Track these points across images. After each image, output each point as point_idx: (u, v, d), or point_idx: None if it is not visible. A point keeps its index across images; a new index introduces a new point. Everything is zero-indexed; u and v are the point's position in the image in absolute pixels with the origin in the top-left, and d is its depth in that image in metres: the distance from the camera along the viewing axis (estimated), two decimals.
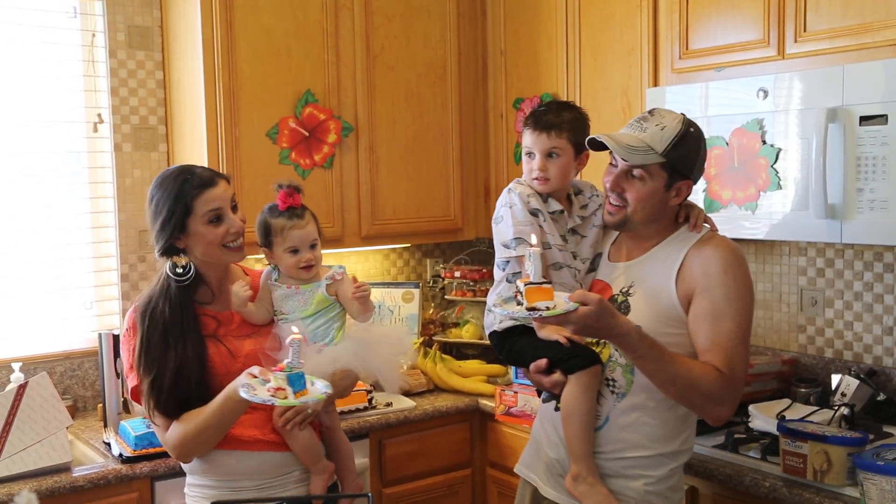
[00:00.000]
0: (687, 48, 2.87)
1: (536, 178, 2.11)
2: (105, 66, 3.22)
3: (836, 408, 2.56)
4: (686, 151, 2.00)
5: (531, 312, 1.79)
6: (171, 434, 2.07)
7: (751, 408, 2.68)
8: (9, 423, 2.51)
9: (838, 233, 2.41)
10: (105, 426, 2.93)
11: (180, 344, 2.06)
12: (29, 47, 3.10)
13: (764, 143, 2.56)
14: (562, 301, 1.82)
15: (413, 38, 3.51)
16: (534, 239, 1.94)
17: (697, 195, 2.74)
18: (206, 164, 3.06)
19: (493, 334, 2.18)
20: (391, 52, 3.45)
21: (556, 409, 2.11)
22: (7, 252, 3.09)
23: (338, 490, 2.20)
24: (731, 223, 2.66)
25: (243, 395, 1.88)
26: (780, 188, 2.52)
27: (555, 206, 2.13)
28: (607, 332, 1.87)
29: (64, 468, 2.56)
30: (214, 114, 3.08)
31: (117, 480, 2.56)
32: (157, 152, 3.33)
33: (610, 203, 2.07)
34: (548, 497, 2.18)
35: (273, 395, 1.85)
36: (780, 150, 2.52)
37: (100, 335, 2.99)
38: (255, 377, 1.92)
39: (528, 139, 2.12)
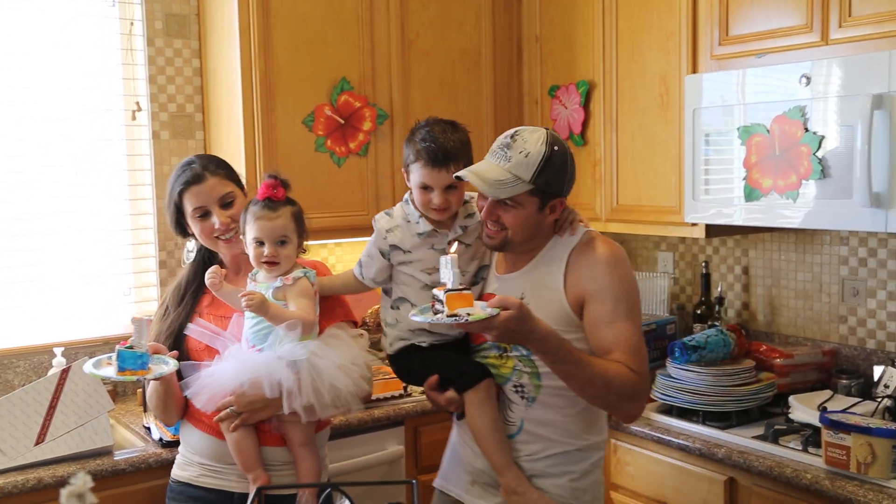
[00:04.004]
0: (727, 34, 2.83)
1: (436, 210, 2.09)
2: (143, 54, 3.25)
3: (878, 400, 2.53)
4: (553, 173, 1.97)
5: (452, 319, 1.77)
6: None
7: (791, 399, 2.66)
8: (52, 407, 2.55)
9: (883, 221, 2.36)
10: (145, 411, 2.95)
11: (167, 317, 2.26)
12: (69, 36, 3.12)
13: (806, 130, 2.52)
14: (478, 308, 1.80)
15: (448, 24, 3.49)
16: (453, 247, 1.95)
17: (738, 183, 2.71)
18: (242, 152, 3.08)
19: (389, 356, 2.24)
20: (426, 39, 3.43)
21: (459, 417, 2.16)
22: (47, 239, 3.13)
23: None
24: (771, 211, 2.63)
25: (84, 365, 2.07)
26: (823, 176, 2.48)
27: (424, 227, 2.11)
28: (527, 336, 1.86)
29: (106, 451, 2.59)
30: (251, 101, 3.09)
31: (157, 464, 2.59)
32: (193, 140, 3.35)
33: (488, 227, 2.04)
34: None
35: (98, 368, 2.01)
36: (822, 137, 2.48)
37: None
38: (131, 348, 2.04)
39: (424, 175, 2.06)
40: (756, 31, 2.74)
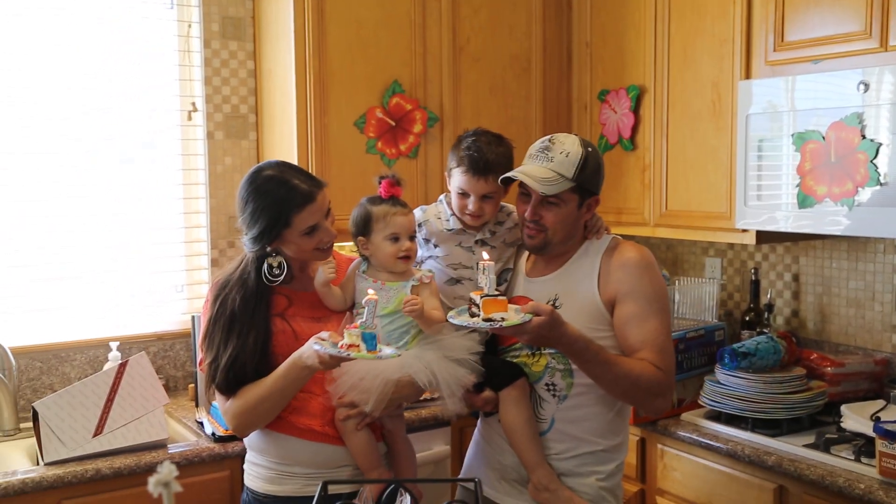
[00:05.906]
0: (782, 40, 2.82)
1: (470, 215, 2.21)
2: (199, 55, 3.31)
3: None
4: (591, 171, 2.10)
5: (488, 324, 1.85)
6: (230, 405, 2.07)
7: (843, 408, 2.63)
8: (110, 400, 2.61)
9: None
10: (196, 406, 3.02)
11: (243, 333, 2.05)
12: (128, 37, 3.20)
13: (864, 137, 2.50)
14: (513, 313, 1.88)
15: (499, 30, 3.51)
16: (485, 254, 2.02)
17: (789, 189, 2.70)
18: (295, 153, 3.12)
19: None
20: (477, 44, 3.46)
21: (486, 415, 2.23)
22: (104, 235, 3.20)
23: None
24: (824, 219, 2.61)
25: (316, 347, 1.89)
26: (881, 184, 2.46)
27: (454, 223, 2.24)
28: (558, 340, 1.95)
29: (161, 445, 2.65)
30: (304, 103, 3.13)
31: (211, 458, 2.64)
32: (247, 140, 3.41)
33: (529, 228, 2.14)
34: (499, 503, 2.20)
35: (347, 350, 1.84)
36: (880, 144, 2.46)
37: (193, 317, 3.08)
38: (324, 340, 1.91)
39: (464, 182, 2.18)
40: (812, 38, 2.73)
